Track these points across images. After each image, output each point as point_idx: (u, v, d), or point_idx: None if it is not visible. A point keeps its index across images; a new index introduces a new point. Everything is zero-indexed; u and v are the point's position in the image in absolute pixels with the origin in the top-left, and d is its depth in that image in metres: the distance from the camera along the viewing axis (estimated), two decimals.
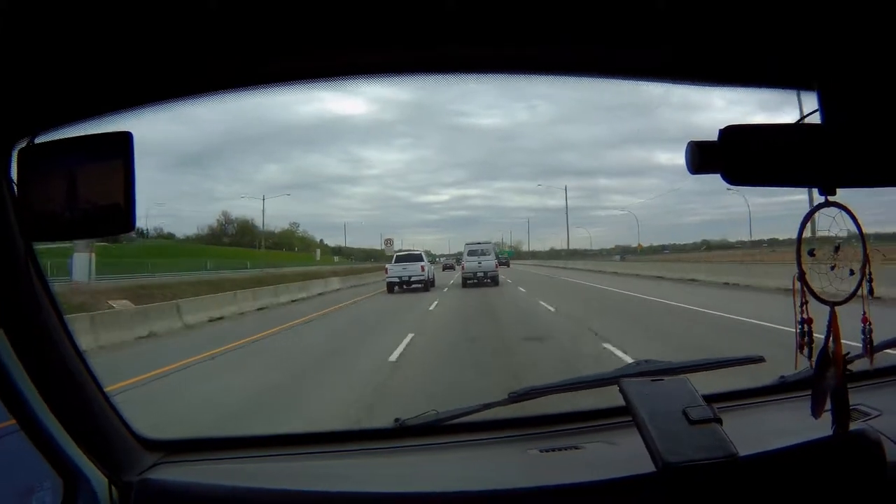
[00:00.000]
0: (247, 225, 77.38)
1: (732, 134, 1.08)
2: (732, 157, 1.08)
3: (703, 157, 1.08)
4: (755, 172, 1.10)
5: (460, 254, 32.89)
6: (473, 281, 27.35)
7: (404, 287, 25.18)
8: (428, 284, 25.91)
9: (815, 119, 1.13)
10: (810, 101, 1.14)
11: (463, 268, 29.13)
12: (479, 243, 29.38)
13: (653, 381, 1.42)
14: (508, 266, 53.44)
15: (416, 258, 26.48)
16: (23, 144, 1.10)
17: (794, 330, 1.18)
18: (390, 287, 25.57)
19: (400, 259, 26.77)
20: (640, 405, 1.30)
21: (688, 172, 1.10)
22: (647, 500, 1.22)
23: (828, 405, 1.20)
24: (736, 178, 1.09)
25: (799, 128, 1.14)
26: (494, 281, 27.35)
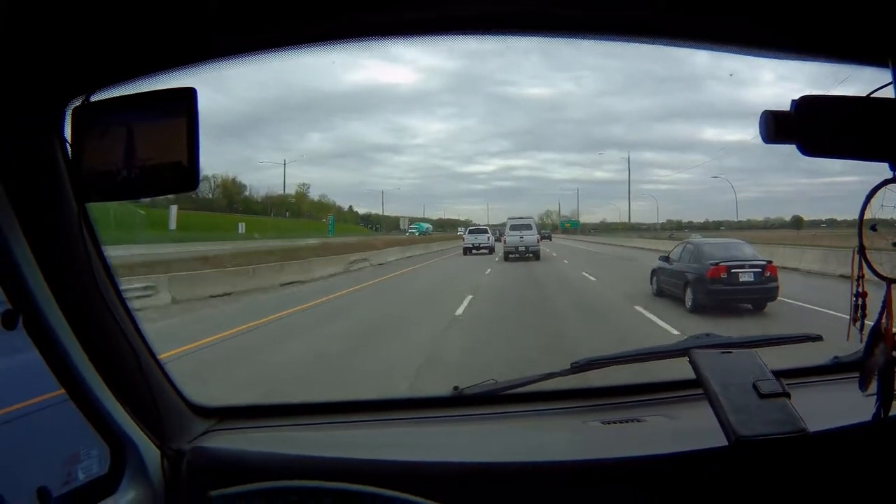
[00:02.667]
0: (230, 185, 63.73)
1: (807, 105, 1.08)
2: (807, 127, 1.07)
3: (777, 126, 1.08)
4: (829, 144, 1.10)
5: (501, 225, 36.10)
6: (515, 255, 27.61)
7: (473, 252, 33.06)
8: (491, 250, 33.28)
9: (888, 92, 1.11)
10: (881, 76, 1.11)
11: (505, 242, 29.13)
12: (520, 218, 29.86)
13: (723, 352, 1.40)
14: (550, 240, 50.99)
15: (483, 231, 36.01)
16: (77, 103, 1.07)
17: None
18: (466, 251, 33.80)
19: (472, 231, 36.75)
20: (712, 377, 1.30)
21: (762, 141, 1.10)
22: (716, 474, 1.21)
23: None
24: (810, 148, 1.08)
25: (871, 101, 1.12)
26: (536, 255, 27.66)
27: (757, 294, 10.49)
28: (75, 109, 1.07)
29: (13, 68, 1.00)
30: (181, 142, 1.03)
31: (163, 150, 1.04)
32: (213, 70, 1.15)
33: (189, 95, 1.03)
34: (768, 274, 10.49)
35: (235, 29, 1.08)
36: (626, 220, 69.25)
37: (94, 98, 1.07)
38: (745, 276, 10.36)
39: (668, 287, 11.94)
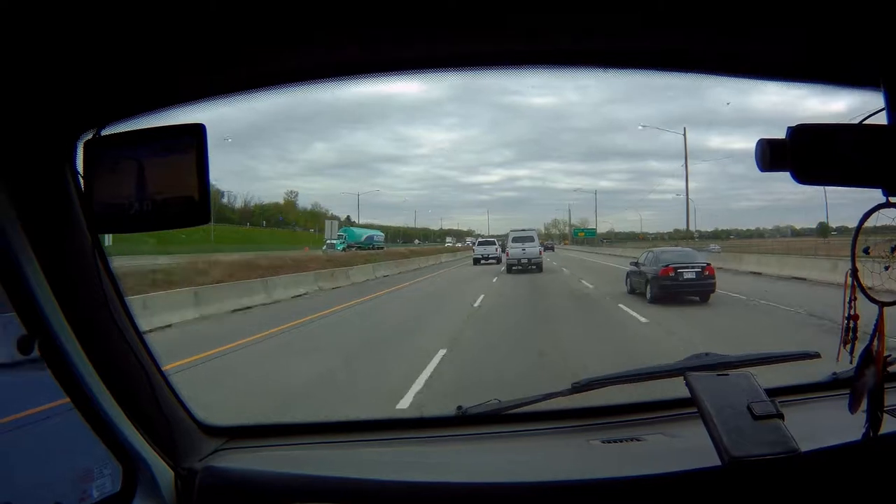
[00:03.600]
0: None
1: (801, 133, 1.10)
2: (801, 156, 1.09)
3: (773, 155, 1.10)
4: (823, 172, 1.12)
5: (503, 236, 36.63)
6: (518, 268, 27.33)
7: (482, 263, 34.76)
8: (499, 260, 34.48)
9: (881, 118, 1.14)
10: (875, 100, 1.14)
11: (507, 254, 28.85)
12: (522, 230, 29.67)
13: (718, 375, 1.43)
14: (553, 250, 50.21)
15: (492, 243, 37.68)
16: (88, 136, 1.09)
17: None
18: (476, 261, 35.60)
19: (481, 244, 38.90)
20: (707, 399, 1.31)
21: (758, 170, 1.11)
22: (711, 493, 1.24)
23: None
24: (804, 177, 1.10)
25: (864, 128, 1.15)
26: (539, 267, 27.52)
27: (698, 288, 13.93)
28: (86, 143, 1.09)
29: (26, 103, 1.02)
30: (191, 176, 1.05)
31: (173, 184, 1.06)
32: (225, 105, 1.18)
33: (199, 131, 1.06)
34: (707, 273, 14.08)
35: (247, 64, 1.10)
36: (635, 231, 67.17)
37: (105, 132, 1.10)
38: (688, 275, 13.95)
39: (637, 285, 15.39)
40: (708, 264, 14.34)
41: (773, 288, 15.87)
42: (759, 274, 20.60)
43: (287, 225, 69.68)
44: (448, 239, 76.37)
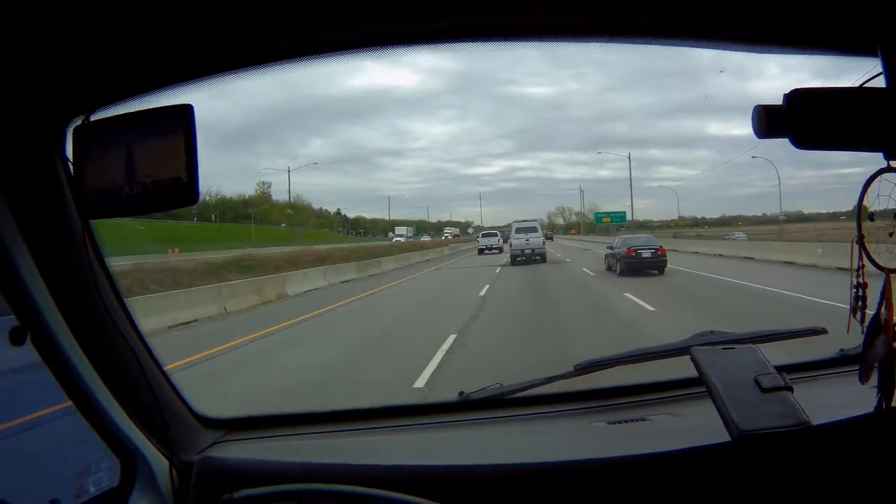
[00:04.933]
0: None
1: (799, 98, 1.07)
2: (800, 120, 1.07)
3: (770, 121, 1.08)
4: (822, 136, 1.09)
5: (503, 227, 39.65)
6: (522, 258, 27.43)
7: (486, 252, 37.49)
8: (500, 250, 36.90)
9: (880, 82, 1.12)
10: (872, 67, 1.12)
11: (511, 245, 28.99)
12: (525, 221, 29.78)
13: (724, 349, 1.41)
14: (552, 240, 49.22)
15: (493, 235, 41.41)
16: (78, 122, 1.08)
17: None
18: (480, 251, 38.72)
19: (484, 235, 42.91)
20: (714, 373, 1.29)
21: (755, 137, 1.10)
22: (721, 469, 1.22)
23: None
24: (804, 142, 1.08)
25: (863, 91, 1.12)
26: (543, 258, 27.70)
27: (653, 264, 18.79)
28: (76, 129, 1.08)
29: (13, 89, 1.01)
30: (180, 158, 1.04)
31: (162, 166, 1.05)
32: (214, 85, 1.17)
33: (186, 112, 1.05)
34: (660, 253, 18.95)
35: (237, 41, 1.08)
36: (635, 218, 60.95)
37: (94, 117, 1.09)
38: (645, 254, 18.92)
39: (611, 264, 20.31)
40: (660, 247, 19.25)
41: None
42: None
43: (249, 220, 63.38)
44: (446, 230, 76.45)
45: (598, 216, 60.21)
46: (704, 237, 38.60)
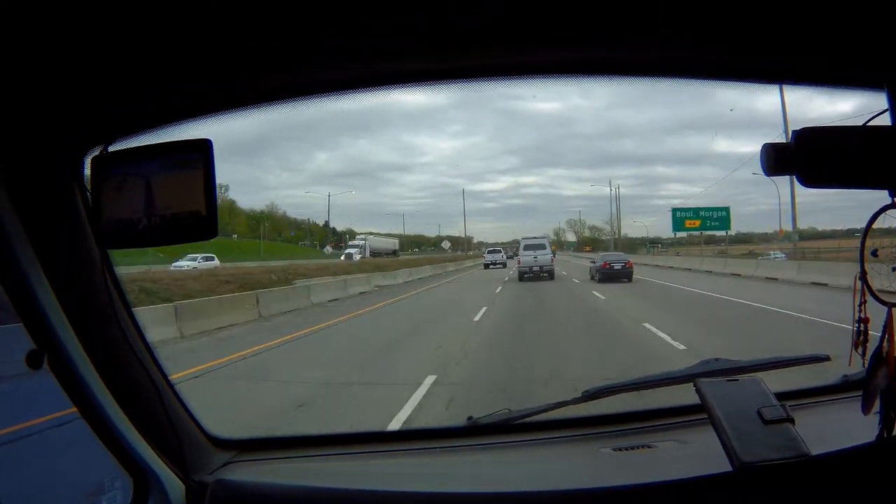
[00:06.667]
0: None
1: (806, 136, 1.10)
2: (807, 159, 1.09)
3: (777, 159, 1.10)
4: (829, 174, 1.12)
5: (508, 244, 41.90)
6: (529, 275, 27.67)
7: (491, 267, 41.07)
8: (504, 265, 41.50)
9: (885, 119, 1.14)
10: (878, 101, 1.15)
11: (519, 262, 29.31)
12: (534, 238, 30.06)
13: (728, 380, 1.43)
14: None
15: (498, 251, 45.41)
16: (96, 152, 1.10)
17: None
18: (486, 266, 42.32)
19: (490, 252, 46.42)
20: (717, 405, 1.31)
21: (763, 174, 1.13)
22: (722, 499, 1.24)
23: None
24: (811, 180, 1.10)
25: (869, 130, 1.14)
26: (551, 275, 27.93)
27: (622, 274, 25.02)
28: (94, 159, 1.10)
29: (33, 119, 1.03)
30: (198, 191, 1.06)
31: (181, 199, 1.07)
32: (229, 120, 1.19)
33: (205, 146, 1.06)
34: (628, 266, 25.53)
35: (251, 76, 1.10)
36: (645, 235, 63.56)
37: (112, 148, 1.11)
38: (616, 266, 25.45)
39: (593, 273, 26.28)
40: (628, 261, 26.09)
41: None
42: None
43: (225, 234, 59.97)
44: (444, 243, 75.84)
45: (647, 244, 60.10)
46: (727, 255, 36.28)
